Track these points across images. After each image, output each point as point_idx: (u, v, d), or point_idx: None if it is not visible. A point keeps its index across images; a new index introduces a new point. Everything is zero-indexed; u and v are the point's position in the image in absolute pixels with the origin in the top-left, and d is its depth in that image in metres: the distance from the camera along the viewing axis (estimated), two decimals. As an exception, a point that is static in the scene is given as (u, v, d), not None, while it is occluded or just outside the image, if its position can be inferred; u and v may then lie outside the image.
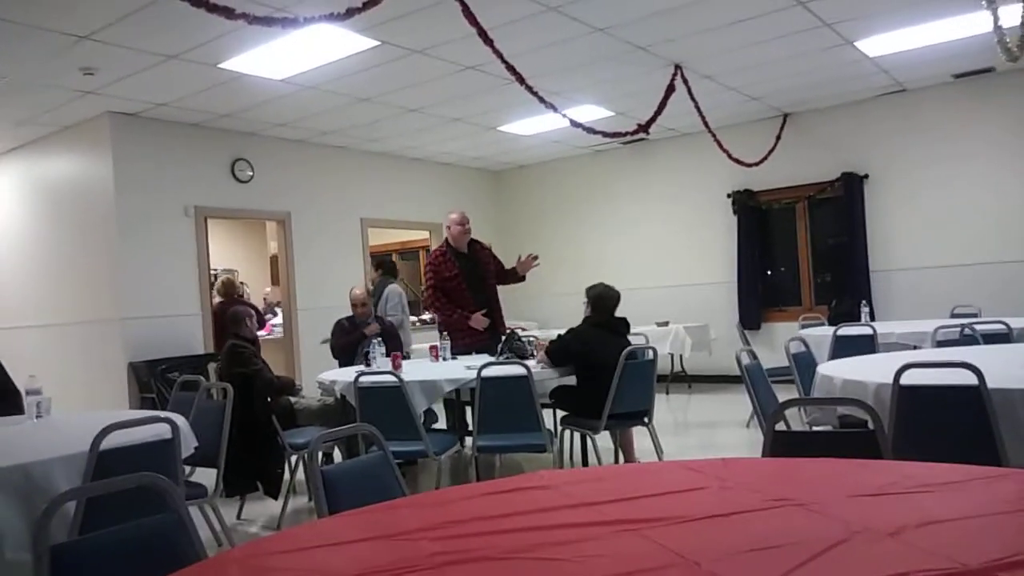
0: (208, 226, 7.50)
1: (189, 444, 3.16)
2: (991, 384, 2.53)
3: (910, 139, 7.80)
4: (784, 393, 3.40)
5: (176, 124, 7.12)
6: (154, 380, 6.57)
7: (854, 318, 6.46)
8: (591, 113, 7.49)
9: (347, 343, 5.54)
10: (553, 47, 5.71)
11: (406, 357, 5.62)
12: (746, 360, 3.92)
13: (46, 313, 7.55)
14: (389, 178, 9.25)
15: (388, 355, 4.85)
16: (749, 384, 3.78)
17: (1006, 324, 4.84)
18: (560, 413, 4.78)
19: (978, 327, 4.78)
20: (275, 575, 1.37)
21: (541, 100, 5.44)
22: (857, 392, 2.96)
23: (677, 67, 6.37)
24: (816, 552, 1.23)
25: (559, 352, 4.42)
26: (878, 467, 1.82)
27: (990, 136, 7.39)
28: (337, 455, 4.79)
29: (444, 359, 5.14)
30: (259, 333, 6.39)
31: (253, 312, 5.50)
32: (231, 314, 4.92)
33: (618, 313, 4.61)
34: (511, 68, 4.89)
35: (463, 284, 5.40)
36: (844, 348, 5.00)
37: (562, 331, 4.61)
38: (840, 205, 8.22)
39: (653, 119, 6.52)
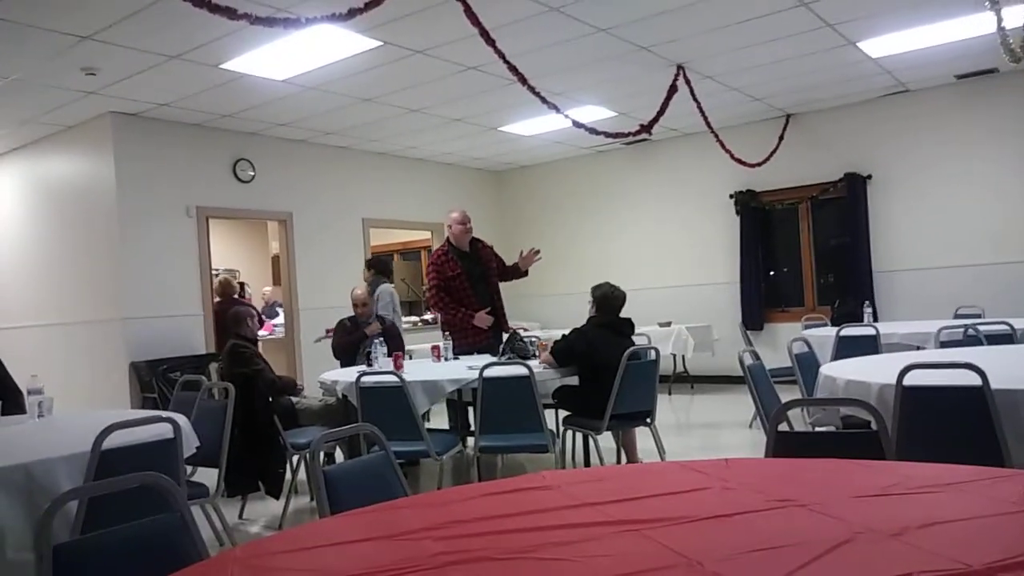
0: (210, 226, 7.51)
1: (191, 444, 3.16)
2: (995, 385, 2.52)
3: (913, 140, 7.79)
4: (787, 394, 3.39)
5: (178, 124, 7.13)
6: (155, 380, 6.58)
7: (857, 319, 6.45)
8: (593, 113, 7.49)
9: (348, 343, 5.54)
10: (555, 47, 5.71)
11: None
12: (749, 360, 3.91)
13: (48, 313, 7.56)
14: (390, 178, 9.25)
15: (389, 355, 4.85)
16: (752, 385, 3.77)
17: (1010, 325, 4.83)
18: (562, 413, 4.77)
19: (982, 328, 4.76)
20: (277, 575, 1.36)
21: (543, 100, 5.44)
22: (860, 393, 2.95)
23: (680, 67, 6.36)
24: (819, 553, 1.23)
25: (564, 352, 4.41)
26: (881, 468, 1.82)
27: (993, 137, 7.38)
28: (339, 455, 4.79)
29: (446, 359, 5.14)
30: (259, 333, 6.39)
31: (254, 312, 5.50)
32: (232, 314, 4.92)
33: (622, 314, 4.61)
34: (513, 68, 4.89)
35: (466, 283, 5.40)
36: (847, 349, 4.99)
37: (564, 331, 4.61)
38: (843, 206, 8.21)
39: (655, 119, 6.52)
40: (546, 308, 9.90)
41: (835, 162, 8.17)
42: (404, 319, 9.37)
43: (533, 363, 4.32)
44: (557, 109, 5.71)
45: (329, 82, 6.22)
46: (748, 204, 8.69)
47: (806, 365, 4.37)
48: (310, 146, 8.33)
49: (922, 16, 5.60)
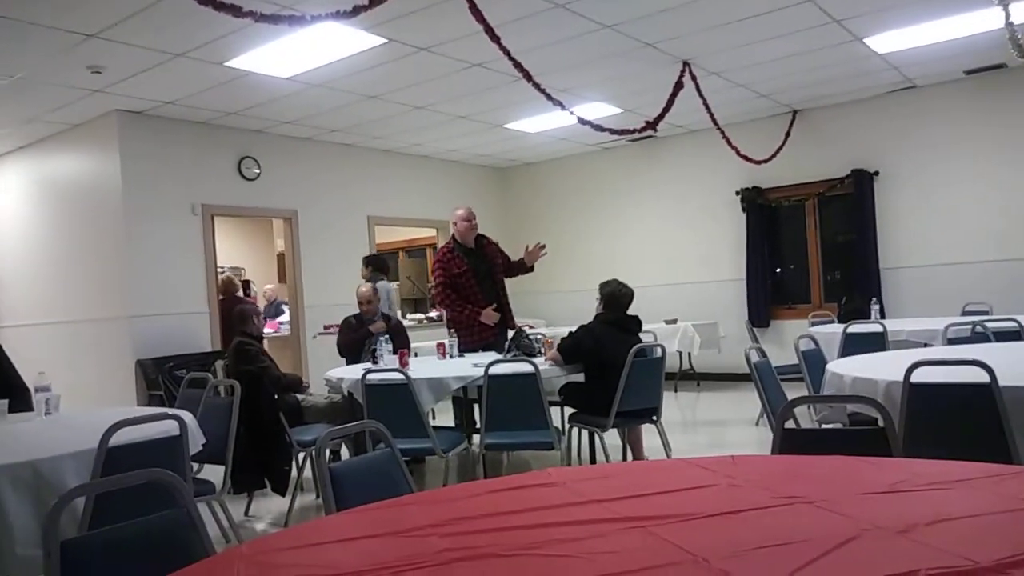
0: (215, 224, 7.52)
1: (197, 441, 3.18)
2: (1003, 382, 2.52)
3: (921, 136, 7.75)
4: (793, 391, 3.39)
5: (183, 122, 7.15)
6: (162, 377, 6.60)
7: (864, 315, 6.43)
8: (599, 110, 7.48)
9: (354, 340, 5.54)
10: (561, 44, 5.70)
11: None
12: (755, 358, 3.90)
13: (55, 311, 7.59)
14: (396, 175, 9.26)
15: (395, 352, 4.85)
16: (758, 382, 3.76)
17: (1018, 322, 4.81)
18: (568, 411, 4.77)
19: (989, 324, 4.75)
20: (283, 571, 1.36)
21: (549, 97, 5.42)
22: (867, 390, 2.94)
23: (685, 64, 6.34)
24: (826, 550, 1.22)
25: (571, 349, 4.40)
26: (888, 465, 1.81)
27: (1001, 133, 7.34)
28: (344, 453, 4.80)
29: (451, 356, 5.14)
30: (265, 330, 6.41)
31: (260, 310, 5.52)
32: (238, 312, 4.93)
33: (629, 311, 4.59)
34: (518, 65, 4.88)
35: (472, 280, 5.39)
36: (854, 346, 4.97)
37: (570, 328, 4.60)
38: (850, 202, 8.17)
39: (661, 116, 6.50)
40: (551, 305, 9.90)
41: (842, 159, 8.13)
42: (409, 317, 9.41)
43: (539, 360, 4.32)
44: (562, 106, 5.69)
45: (334, 79, 6.22)
46: (754, 201, 8.67)
47: (813, 362, 4.35)
48: (315, 144, 8.33)
49: (930, 11, 5.57)
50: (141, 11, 4.60)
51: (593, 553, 1.32)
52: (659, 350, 4.54)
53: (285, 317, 8.87)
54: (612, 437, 4.68)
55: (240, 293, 8.42)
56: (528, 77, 5.06)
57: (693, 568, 1.21)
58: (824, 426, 3.72)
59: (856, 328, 5.30)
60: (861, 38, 6.05)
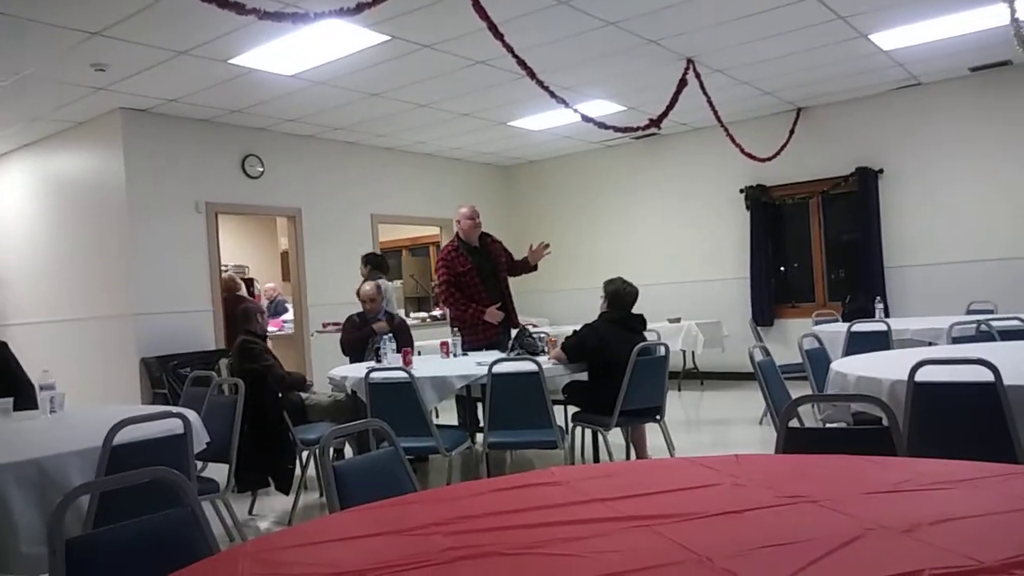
0: (219, 222, 7.53)
1: (201, 439, 3.18)
2: (1007, 381, 2.51)
3: (925, 133, 7.72)
4: (797, 390, 3.38)
5: (187, 120, 7.15)
6: (166, 376, 6.61)
7: (868, 314, 6.41)
8: (602, 108, 7.47)
9: (357, 339, 5.54)
10: (564, 41, 5.69)
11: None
12: (759, 357, 3.90)
13: (59, 309, 7.61)
14: (399, 174, 9.26)
15: (399, 351, 4.85)
16: (762, 381, 3.76)
17: (1022, 320, 4.80)
18: (571, 409, 4.77)
19: (994, 323, 4.74)
20: (286, 569, 1.37)
21: (552, 95, 5.42)
22: (871, 389, 2.94)
23: (689, 61, 6.33)
24: (830, 549, 1.22)
25: (575, 347, 4.39)
26: (892, 464, 1.80)
27: (1007, 130, 7.31)
28: (348, 451, 4.80)
29: (455, 355, 5.14)
30: (268, 328, 6.41)
31: (264, 308, 5.52)
32: (242, 310, 4.94)
33: (633, 310, 4.58)
34: (522, 63, 4.88)
35: (476, 278, 5.39)
36: (858, 344, 4.96)
37: (574, 327, 4.59)
38: (854, 200, 8.16)
39: (665, 114, 6.49)
40: (555, 304, 9.89)
41: (846, 156, 8.11)
42: (412, 315, 9.41)
43: (542, 359, 4.31)
44: (566, 104, 5.69)
45: (337, 77, 6.23)
46: (758, 199, 8.65)
47: (817, 361, 4.34)
48: (319, 141, 8.34)
49: (935, 8, 5.55)
50: (145, 9, 4.60)
51: (597, 552, 1.31)
52: (663, 349, 4.53)
53: (289, 315, 8.88)
54: (616, 436, 4.68)
55: (243, 292, 8.42)
56: (531, 74, 5.06)
57: (697, 567, 1.20)
58: (828, 425, 3.71)
59: (860, 327, 5.29)
60: (866, 35, 6.03)
